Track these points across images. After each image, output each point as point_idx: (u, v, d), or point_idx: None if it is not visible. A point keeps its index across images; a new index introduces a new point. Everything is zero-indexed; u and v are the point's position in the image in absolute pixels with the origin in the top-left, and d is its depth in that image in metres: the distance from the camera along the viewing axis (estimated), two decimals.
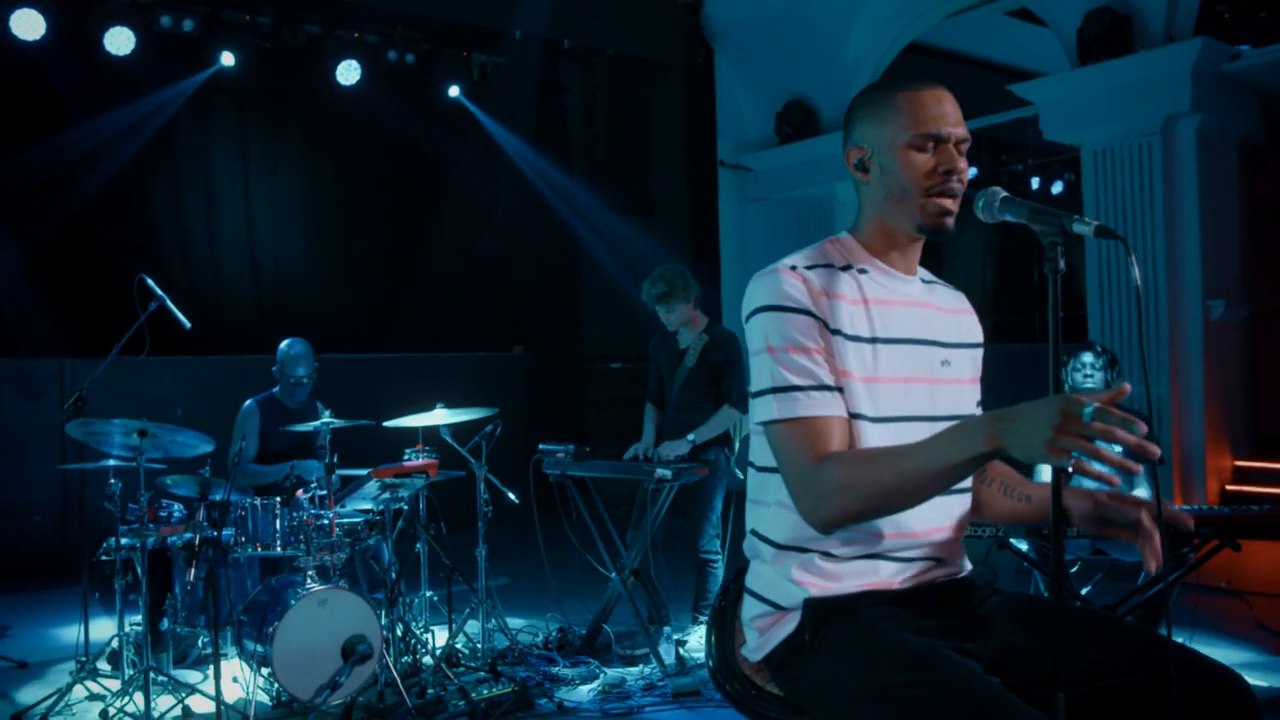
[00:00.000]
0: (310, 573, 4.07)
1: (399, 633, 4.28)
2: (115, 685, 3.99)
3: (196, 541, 4.34)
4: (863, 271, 1.85)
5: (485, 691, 3.98)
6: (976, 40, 10.15)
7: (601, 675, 4.36)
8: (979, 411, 2.00)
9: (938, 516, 1.83)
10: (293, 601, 3.86)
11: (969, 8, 8.42)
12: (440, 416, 4.50)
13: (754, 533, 1.93)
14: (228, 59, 7.75)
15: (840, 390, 1.75)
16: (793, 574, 1.81)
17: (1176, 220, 6.52)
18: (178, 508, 4.47)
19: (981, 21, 9.27)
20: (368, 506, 4.47)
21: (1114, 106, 6.59)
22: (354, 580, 4.38)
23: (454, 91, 8.76)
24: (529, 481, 4.71)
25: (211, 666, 3.84)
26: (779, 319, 1.76)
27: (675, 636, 4.64)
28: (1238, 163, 6.86)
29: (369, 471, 4.31)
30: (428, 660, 4.35)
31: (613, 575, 4.73)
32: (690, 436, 4.68)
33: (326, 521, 4.16)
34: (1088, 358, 4.44)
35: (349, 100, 8.33)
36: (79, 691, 4.10)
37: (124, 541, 4.10)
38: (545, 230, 9.33)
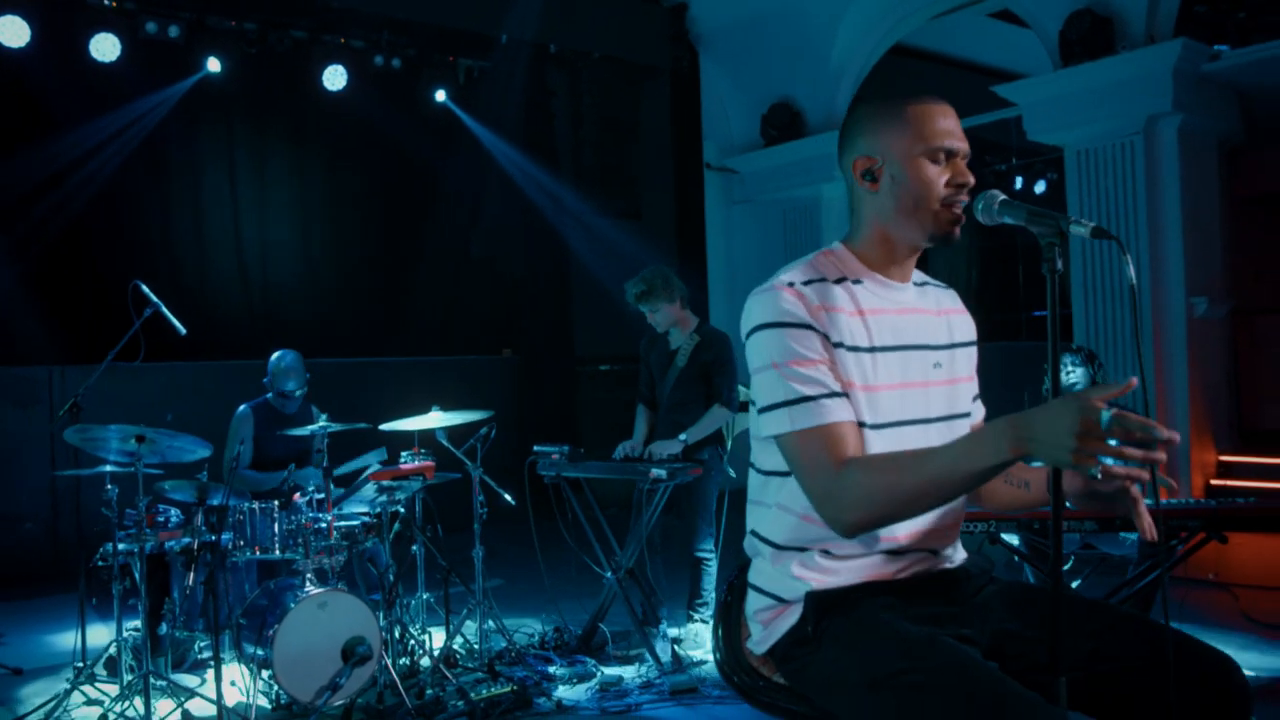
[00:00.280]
0: (309, 576, 4.09)
1: (396, 634, 4.30)
2: (113, 690, 3.98)
3: (195, 546, 4.35)
4: (857, 283, 1.88)
5: (484, 691, 3.99)
6: (960, 42, 10.26)
7: (598, 674, 4.39)
8: (977, 406, 2.05)
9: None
10: (292, 604, 3.88)
11: (953, 10, 8.50)
12: (436, 419, 4.52)
13: (754, 533, 1.97)
14: (214, 65, 7.76)
15: (847, 396, 1.79)
16: (793, 570, 1.86)
17: (1159, 219, 6.59)
18: (175, 513, 4.47)
19: (965, 24, 9.37)
20: (365, 509, 4.49)
21: (1096, 107, 6.66)
22: (352, 583, 4.39)
23: (441, 96, 8.78)
24: (524, 483, 4.75)
25: (211, 670, 3.85)
26: (780, 335, 1.79)
27: (671, 634, 4.68)
28: (1218, 162, 6.95)
29: (367, 473, 4.33)
30: (425, 662, 4.37)
31: (608, 575, 4.77)
32: (682, 436, 4.71)
33: (324, 525, 4.17)
34: (1066, 356, 4.53)
35: (336, 106, 8.33)
36: (77, 697, 4.09)
37: (121, 547, 4.08)
38: (534, 234, 9.33)
